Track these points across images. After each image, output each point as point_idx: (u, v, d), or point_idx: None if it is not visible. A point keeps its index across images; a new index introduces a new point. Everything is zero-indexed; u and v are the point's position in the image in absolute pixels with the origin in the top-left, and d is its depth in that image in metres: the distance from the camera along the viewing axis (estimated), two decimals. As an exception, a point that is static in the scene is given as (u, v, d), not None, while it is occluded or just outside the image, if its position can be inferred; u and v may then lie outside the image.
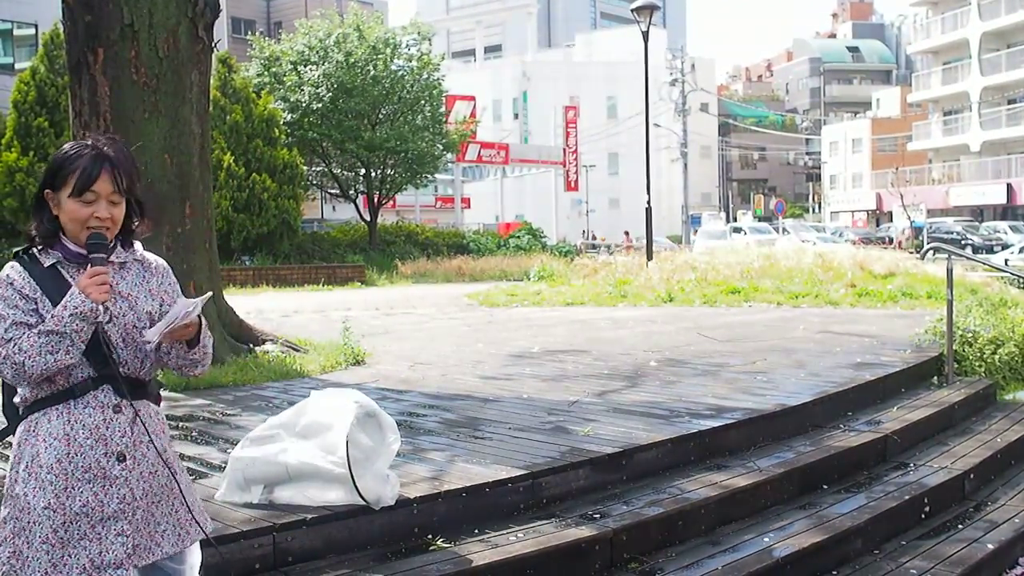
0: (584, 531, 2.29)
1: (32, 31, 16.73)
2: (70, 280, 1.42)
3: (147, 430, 1.44)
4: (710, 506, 2.58)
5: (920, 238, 21.47)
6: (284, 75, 16.36)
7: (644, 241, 12.81)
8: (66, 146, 1.48)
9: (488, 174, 29.31)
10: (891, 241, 22.61)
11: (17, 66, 16.30)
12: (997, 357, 4.46)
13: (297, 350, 4.88)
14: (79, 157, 1.43)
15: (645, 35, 12.23)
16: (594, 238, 26.63)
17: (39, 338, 1.35)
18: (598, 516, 2.41)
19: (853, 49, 55.68)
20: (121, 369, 1.43)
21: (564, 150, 30.43)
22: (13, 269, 1.42)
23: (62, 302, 1.37)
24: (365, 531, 2.16)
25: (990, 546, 2.73)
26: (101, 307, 1.38)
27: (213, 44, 4.65)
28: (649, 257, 11.21)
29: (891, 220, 30.36)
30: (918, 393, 4.02)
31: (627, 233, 24.75)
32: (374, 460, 2.20)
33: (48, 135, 11.91)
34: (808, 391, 3.60)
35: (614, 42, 39.54)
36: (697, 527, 2.52)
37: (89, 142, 1.46)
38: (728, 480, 2.74)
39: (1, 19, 17.12)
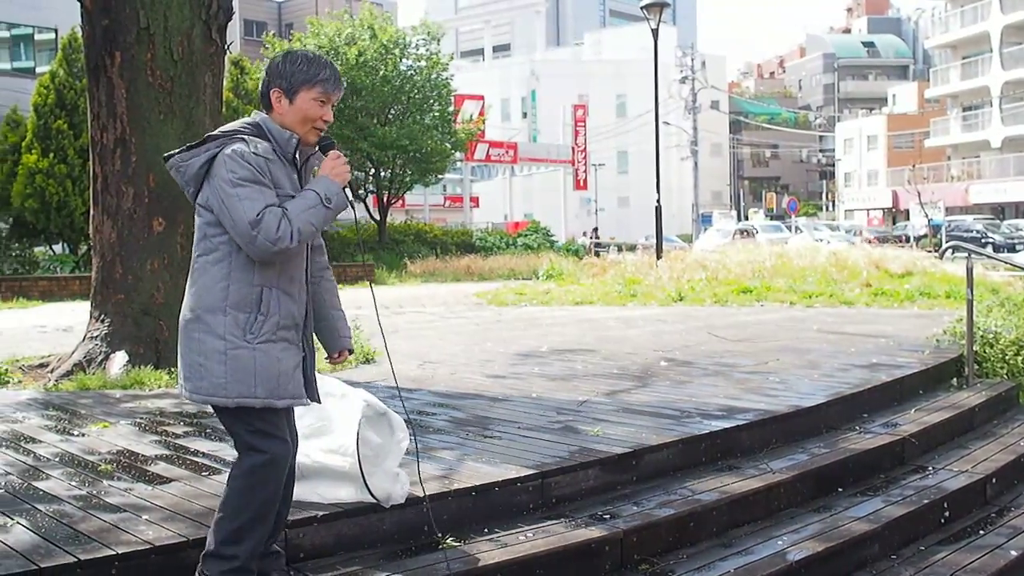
0: (594, 531, 2.27)
1: (52, 35, 16.97)
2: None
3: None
4: (722, 508, 2.54)
5: (938, 236, 21.06)
6: (294, 75, 16.41)
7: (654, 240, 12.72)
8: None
9: (497, 173, 29.30)
10: (908, 240, 22.19)
11: (38, 70, 16.54)
12: (1020, 359, 4.36)
13: (308, 349, 4.87)
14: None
15: (655, 32, 12.15)
16: (597, 235, 25.60)
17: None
18: (608, 517, 2.39)
19: (868, 44, 54.91)
20: None
21: (573, 149, 30.32)
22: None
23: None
24: (375, 529, 2.16)
25: (1013, 553, 2.66)
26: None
27: (226, 46, 4.68)
28: (659, 256, 11.14)
29: (908, 218, 29.89)
30: (937, 395, 3.95)
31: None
32: (384, 458, 2.20)
33: (67, 137, 12.06)
34: (822, 392, 3.55)
35: (623, 40, 39.37)
36: (708, 529, 2.49)
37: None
38: (740, 482, 2.70)
39: (23, 24, 17.40)
